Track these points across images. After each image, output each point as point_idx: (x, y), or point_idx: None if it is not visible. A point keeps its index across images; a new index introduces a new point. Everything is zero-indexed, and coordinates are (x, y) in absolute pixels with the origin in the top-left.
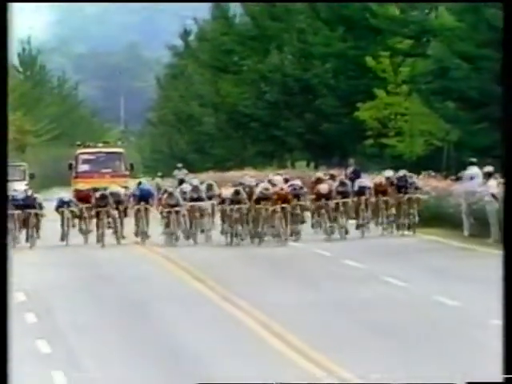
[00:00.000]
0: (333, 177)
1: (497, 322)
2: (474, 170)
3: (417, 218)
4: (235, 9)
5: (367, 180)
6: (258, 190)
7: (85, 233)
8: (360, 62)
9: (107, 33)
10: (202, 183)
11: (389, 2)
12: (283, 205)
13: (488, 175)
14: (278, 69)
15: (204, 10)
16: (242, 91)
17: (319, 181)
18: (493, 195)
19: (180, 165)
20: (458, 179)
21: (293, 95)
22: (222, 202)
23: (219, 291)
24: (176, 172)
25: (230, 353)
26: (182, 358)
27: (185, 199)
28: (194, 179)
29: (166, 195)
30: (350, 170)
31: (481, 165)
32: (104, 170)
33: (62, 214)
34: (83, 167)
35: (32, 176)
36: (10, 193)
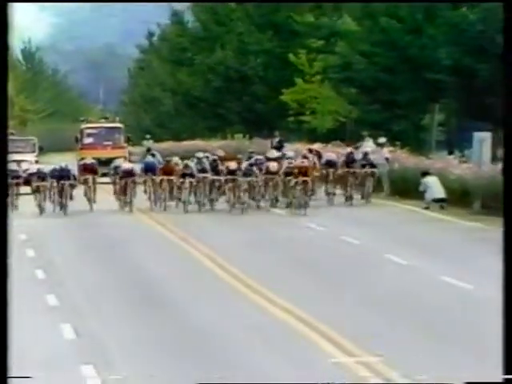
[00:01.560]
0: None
1: (388, 256)
2: (369, 142)
3: (368, 190)
4: (188, 16)
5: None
6: (284, 165)
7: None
8: (284, 57)
9: (90, 34)
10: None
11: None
12: (304, 178)
13: (381, 144)
14: (222, 62)
15: (165, 17)
16: (193, 79)
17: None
18: (386, 159)
19: (148, 136)
20: (357, 148)
21: (233, 82)
22: (229, 173)
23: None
24: (145, 142)
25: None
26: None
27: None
28: (200, 152)
29: (182, 166)
30: (276, 140)
31: (374, 136)
32: (105, 143)
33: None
34: (88, 140)
35: (41, 148)
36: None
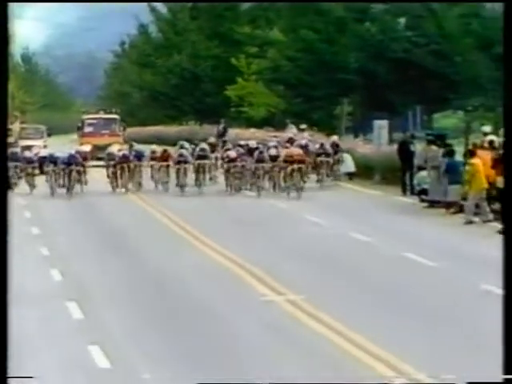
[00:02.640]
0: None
1: (312, 218)
2: (293, 128)
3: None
4: (152, 28)
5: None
6: (283, 154)
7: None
8: (227, 61)
9: (76, 43)
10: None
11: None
12: (299, 165)
13: (302, 129)
14: (178, 65)
15: (133, 29)
16: (156, 78)
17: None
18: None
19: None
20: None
21: (187, 81)
22: (230, 161)
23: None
24: None
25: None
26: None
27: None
28: (203, 143)
29: (177, 154)
30: (221, 126)
31: (297, 123)
32: (103, 131)
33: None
34: (88, 129)
35: (49, 134)
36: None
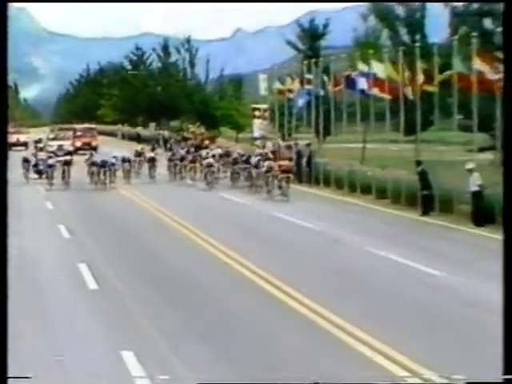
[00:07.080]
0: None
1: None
2: (121, 127)
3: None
4: (71, 90)
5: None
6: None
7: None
8: (98, 102)
9: (42, 93)
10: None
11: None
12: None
13: (124, 125)
14: (80, 104)
15: (64, 89)
16: (72, 108)
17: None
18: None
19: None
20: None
21: (83, 110)
22: (235, 162)
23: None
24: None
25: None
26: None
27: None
28: (218, 149)
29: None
30: (92, 126)
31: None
32: (87, 134)
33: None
34: (79, 133)
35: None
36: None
